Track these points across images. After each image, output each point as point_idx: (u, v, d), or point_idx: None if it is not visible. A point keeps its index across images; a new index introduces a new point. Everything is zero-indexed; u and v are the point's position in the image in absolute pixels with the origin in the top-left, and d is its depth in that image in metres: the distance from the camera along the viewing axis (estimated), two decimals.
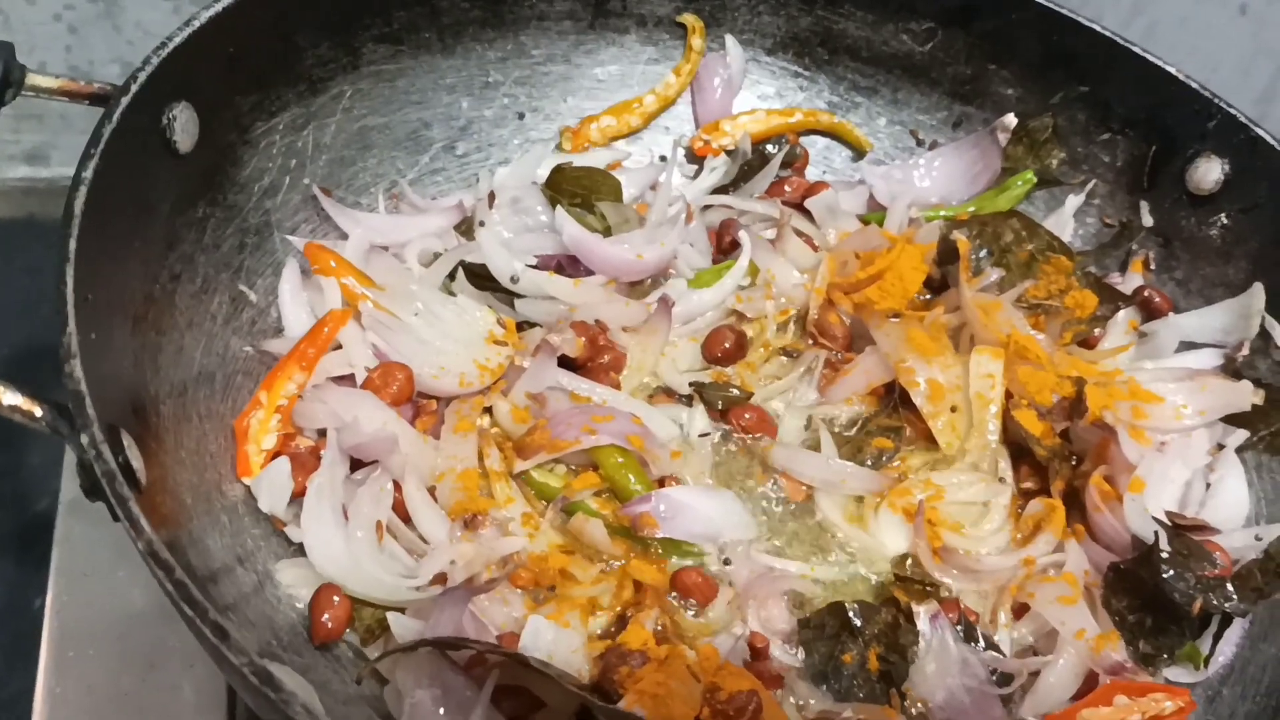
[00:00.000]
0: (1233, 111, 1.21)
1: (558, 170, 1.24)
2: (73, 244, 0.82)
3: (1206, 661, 1.01)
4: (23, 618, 1.16)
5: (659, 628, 0.96)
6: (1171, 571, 0.99)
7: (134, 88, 0.92)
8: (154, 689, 1.04)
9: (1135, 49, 1.25)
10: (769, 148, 1.36)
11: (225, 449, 0.98)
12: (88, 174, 0.85)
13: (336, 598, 0.90)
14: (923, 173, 1.35)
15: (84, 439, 0.72)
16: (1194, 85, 1.23)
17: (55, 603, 1.08)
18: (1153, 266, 1.29)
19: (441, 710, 0.83)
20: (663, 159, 1.38)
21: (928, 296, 1.24)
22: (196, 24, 0.99)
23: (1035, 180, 1.34)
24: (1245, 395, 1.13)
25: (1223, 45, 1.90)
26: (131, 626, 1.07)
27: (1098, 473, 1.09)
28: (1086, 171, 1.33)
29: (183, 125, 0.99)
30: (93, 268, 0.83)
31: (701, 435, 1.11)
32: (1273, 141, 1.18)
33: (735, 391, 1.15)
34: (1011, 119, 1.32)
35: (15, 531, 1.25)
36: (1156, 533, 1.00)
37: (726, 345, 1.18)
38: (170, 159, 0.98)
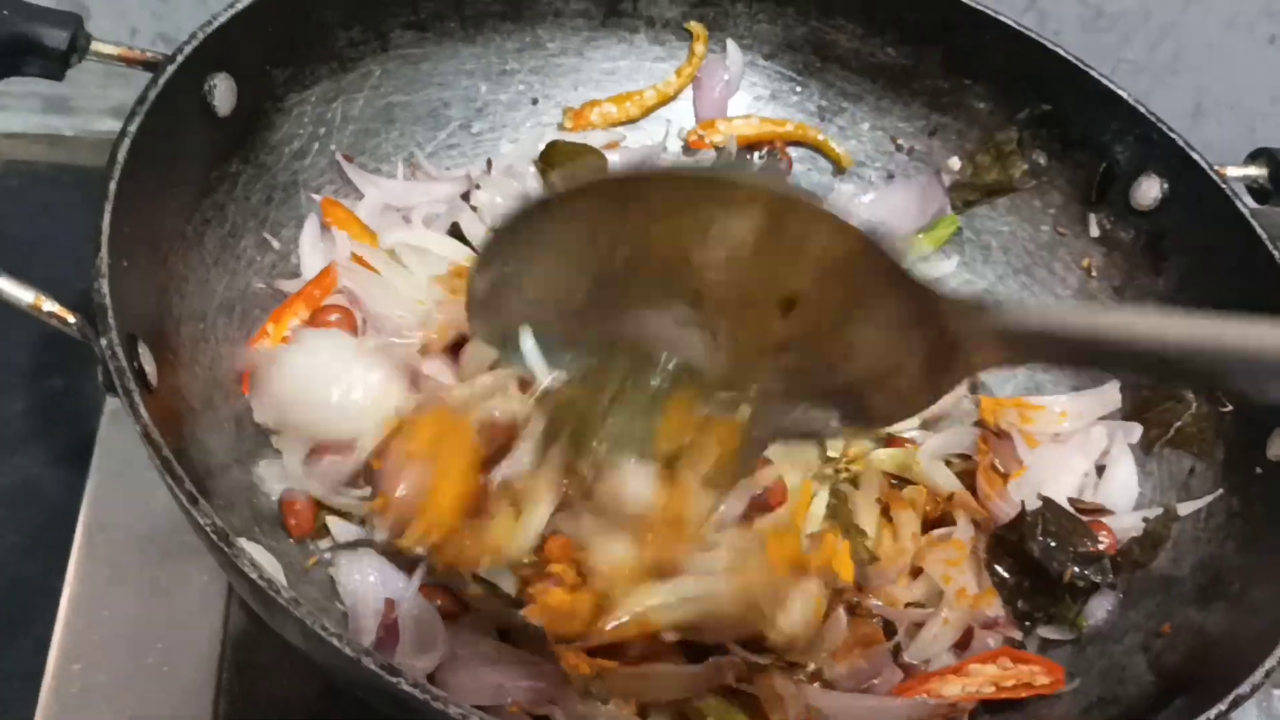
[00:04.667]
0: (1172, 135, 1.31)
1: (551, 145, 1.38)
2: (113, 185, 0.98)
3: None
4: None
5: None
6: (1050, 542, 1.11)
7: (179, 58, 1.09)
8: (168, 573, 1.20)
9: (1093, 72, 1.36)
10: (755, 156, 1.50)
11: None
12: (132, 128, 1.02)
13: (299, 505, 1.07)
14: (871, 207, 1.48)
15: (103, 342, 0.89)
16: (1141, 109, 1.33)
17: (92, 494, 1.25)
18: (1094, 274, 1.40)
19: (380, 594, 1.00)
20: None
21: None
22: (239, 6, 1.15)
23: (959, 226, 1.46)
24: (1114, 398, 1.25)
25: (1250, 74, 1.96)
26: (156, 519, 1.24)
27: (984, 462, 1.21)
28: (1045, 183, 1.44)
29: (221, 93, 1.15)
30: (130, 206, 0.99)
31: None
32: (1204, 165, 1.29)
33: None
34: (955, 161, 1.45)
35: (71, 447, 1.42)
36: (1023, 501, 1.12)
37: None
38: (209, 120, 1.15)
